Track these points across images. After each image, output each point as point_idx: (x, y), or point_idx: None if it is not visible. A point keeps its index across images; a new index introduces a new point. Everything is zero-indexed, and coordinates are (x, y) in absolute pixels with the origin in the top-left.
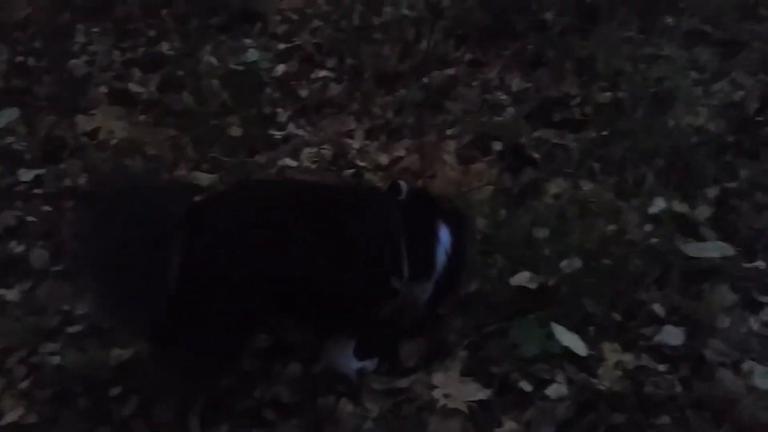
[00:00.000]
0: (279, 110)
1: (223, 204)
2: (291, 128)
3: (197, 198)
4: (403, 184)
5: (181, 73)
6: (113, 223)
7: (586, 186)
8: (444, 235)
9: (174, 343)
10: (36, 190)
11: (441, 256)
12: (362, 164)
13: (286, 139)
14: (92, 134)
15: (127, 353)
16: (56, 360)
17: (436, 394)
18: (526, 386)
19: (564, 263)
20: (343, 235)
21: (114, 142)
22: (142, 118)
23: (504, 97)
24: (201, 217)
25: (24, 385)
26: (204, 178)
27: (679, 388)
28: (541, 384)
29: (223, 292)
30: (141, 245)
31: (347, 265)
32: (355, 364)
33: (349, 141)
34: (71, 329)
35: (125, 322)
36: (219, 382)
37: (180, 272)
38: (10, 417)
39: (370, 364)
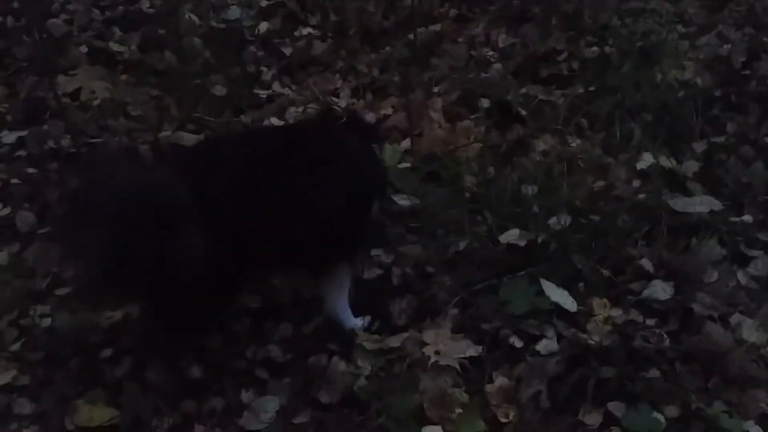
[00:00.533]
0: (263, 69)
1: (183, 169)
2: (276, 87)
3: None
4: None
5: (162, 31)
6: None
7: (574, 142)
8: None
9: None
10: (19, 152)
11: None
12: None
13: (271, 98)
14: (74, 95)
15: (118, 314)
16: (47, 322)
17: (428, 351)
18: (517, 342)
19: (552, 220)
20: (320, 163)
21: (96, 102)
22: (123, 77)
23: (490, 53)
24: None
25: (15, 347)
26: (189, 138)
27: (667, 342)
28: (532, 340)
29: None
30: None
31: (331, 192)
32: (350, 319)
33: (335, 99)
34: (60, 291)
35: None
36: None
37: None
38: (3, 379)
39: (361, 322)
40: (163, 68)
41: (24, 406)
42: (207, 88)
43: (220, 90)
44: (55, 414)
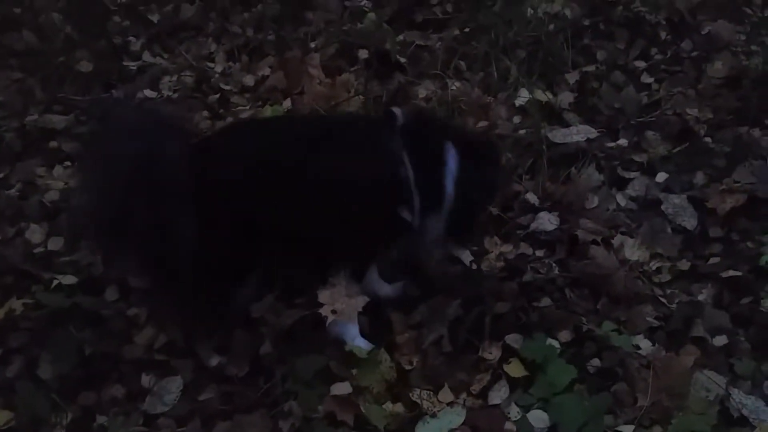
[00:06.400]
0: (131, 39)
1: (223, 146)
2: (146, 57)
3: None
4: (397, 110)
5: (17, 10)
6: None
7: (454, 85)
8: (452, 160)
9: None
10: None
11: (449, 185)
12: (227, 87)
13: (142, 69)
14: None
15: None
16: None
17: (324, 311)
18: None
19: None
20: (342, 168)
21: None
22: None
23: (364, 2)
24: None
25: None
26: (58, 121)
27: (556, 270)
28: None
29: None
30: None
31: (351, 198)
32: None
33: (211, 65)
34: None
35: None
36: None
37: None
38: None
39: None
40: (22, 49)
41: None
42: (72, 66)
43: (86, 66)
44: None
